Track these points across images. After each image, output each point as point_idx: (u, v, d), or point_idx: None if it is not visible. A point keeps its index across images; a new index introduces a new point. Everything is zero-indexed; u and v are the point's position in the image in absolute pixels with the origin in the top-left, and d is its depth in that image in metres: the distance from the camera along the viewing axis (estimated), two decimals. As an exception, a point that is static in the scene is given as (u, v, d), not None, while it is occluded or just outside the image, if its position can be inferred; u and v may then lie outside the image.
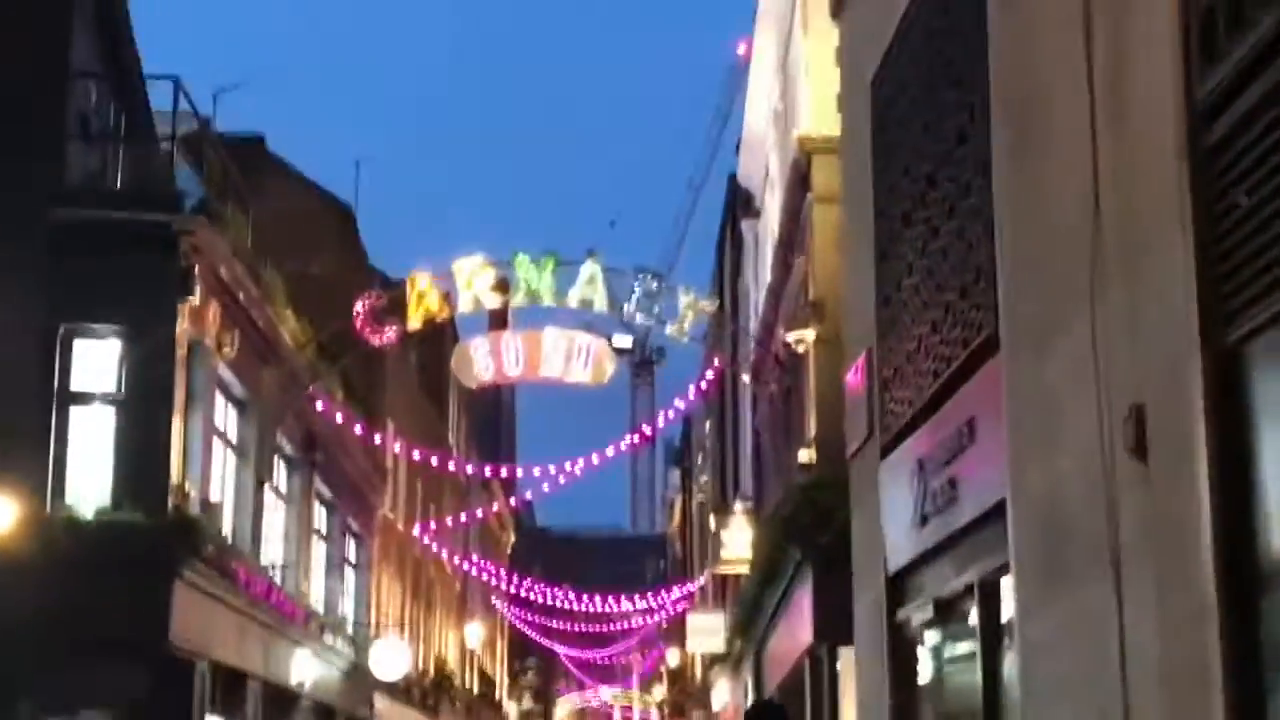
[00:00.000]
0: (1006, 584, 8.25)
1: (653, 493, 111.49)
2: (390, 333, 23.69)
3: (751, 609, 27.58)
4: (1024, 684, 7.52)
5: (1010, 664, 8.05)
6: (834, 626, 19.47)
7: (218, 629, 20.33)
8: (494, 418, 67.24)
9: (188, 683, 19.31)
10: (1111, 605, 6.19)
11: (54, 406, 18.68)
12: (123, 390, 18.88)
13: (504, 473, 44.08)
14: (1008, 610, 8.30)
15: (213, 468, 20.99)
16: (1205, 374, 5.44)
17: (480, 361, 23.71)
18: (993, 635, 8.52)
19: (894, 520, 10.43)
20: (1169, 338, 5.72)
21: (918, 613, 9.91)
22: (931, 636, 9.98)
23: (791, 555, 20.51)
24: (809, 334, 20.08)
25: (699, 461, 55.98)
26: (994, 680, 8.47)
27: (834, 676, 19.59)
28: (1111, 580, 6.20)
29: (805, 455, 20.26)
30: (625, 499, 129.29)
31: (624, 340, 75.13)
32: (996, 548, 8.08)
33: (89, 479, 18.61)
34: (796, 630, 21.66)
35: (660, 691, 75.10)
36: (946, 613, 9.40)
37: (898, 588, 10.49)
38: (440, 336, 43.53)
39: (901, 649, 10.49)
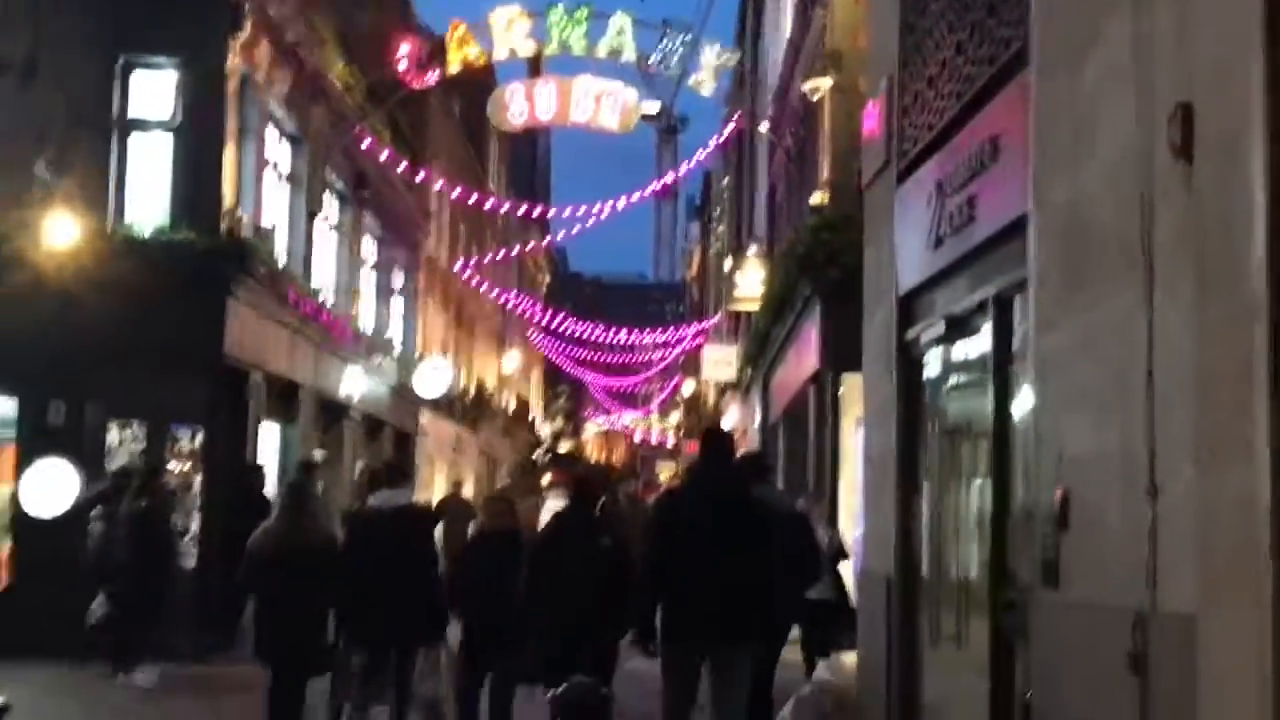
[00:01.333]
0: (1020, 301, 7.45)
1: (674, 245, 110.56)
2: (431, 77, 22.61)
3: (761, 341, 26.97)
4: (1040, 398, 6.71)
5: (1022, 378, 7.26)
6: (839, 354, 18.81)
7: (269, 344, 19.70)
8: (530, 167, 65.90)
9: (243, 392, 18.76)
10: (1141, 313, 5.35)
11: (114, 133, 17.78)
12: (178, 118, 17.93)
13: (538, 212, 42.91)
14: (1021, 327, 7.51)
15: (265, 197, 20.15)
16: (1265, 67, 4.55)
17: (515, 105, 22.66)
18: (1004, 350, 7.72)
19: (907, 244, 9.55)
20: (1225, 33, 4.80)
21: (928, 331, 9.10)
22: (939, 354, 9.18)
23: (801, 290, 19.74)
24: (825, 82, 19.01)
25: (716, 214, 55.08)
26: (1005, 394, 7.69)
27: (836, 400, 18.98)
28: (1142, 286, 5.35)
29: (817, 198, 19.37)
30: (649, 250, 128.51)
31: (651, 105, 73.58)
32: (1013, 264, 7.21)
33: (148, 202, 17.80)
34: (803, 359, 21.04)
35: (676, 417, 75.46)
36: (958, 329, 8.57)
37: (908, 309, 9.66)
38: (481, 86, 42.27)
39: (909, 367, 9.71)
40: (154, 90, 18.04)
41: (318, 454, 21.41)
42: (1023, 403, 7.22)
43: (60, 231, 16.89)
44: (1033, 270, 6.78)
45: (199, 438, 18.29)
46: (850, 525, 18.78)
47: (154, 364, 17.30)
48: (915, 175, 9.39)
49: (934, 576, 9.31)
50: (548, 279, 68.68)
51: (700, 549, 8.80)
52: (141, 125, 18.03)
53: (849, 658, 11.42)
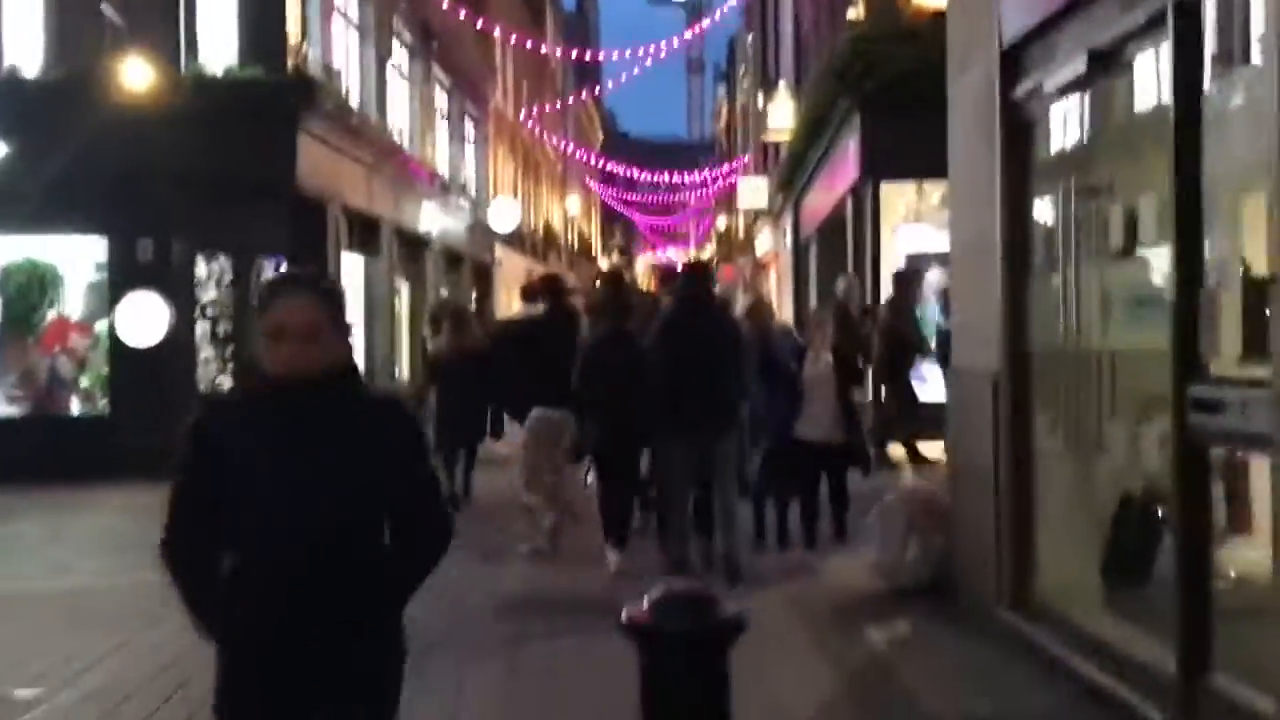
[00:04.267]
0: (1221, 4, 4.35)
1: (704, 110, 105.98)
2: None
3: (794, 166, 23.67)
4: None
5: (1225, 109, 4.20)
6: (878, 163, 15.64)
7: (345, 178, 16.64)
8: (582, 30, 61.59)
9: (321, 222, 15.79)
10: None
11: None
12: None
13: (590, 56, 39.10)
14: (1218, 43, 4.42)
15: (334, 41, 16.95)
16: None
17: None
18: (1191, 76, 4.65)
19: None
20: None
21: (1055, 77, 5.95)
22: (1075, 103, 6.05)
23: (839, 106, 16.44)
24: (861, -108, 15.50)
25: (741, 72, 51.18)
26: (1191, 135, 4.64)
27: (877, 208, 15.83)
28: None
29: (854, 12, 15.95)
30: (683, 116, 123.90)
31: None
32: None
33: (216, 41, 14.62)
34: (839, 175, 17.83)
35: (711, 249, 72.21)
36: (1106, 65, 5.47)
37: (1016, 61, 6.54)
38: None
39: (1017, 132, 6.60)
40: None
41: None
42: (1225, 140, 4.17)
43: (133, 72, 13.82)
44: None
45: (284, 268, 15.39)
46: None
47: (233, 198, 14.34)
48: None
49: (1059, 373, 6.32)
50: (601, 136, 65.12)
51: (692, 359, 7.97)
52: (208, -33, 14.77)
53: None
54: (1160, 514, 5.36)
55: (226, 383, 15.10)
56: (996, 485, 6.79)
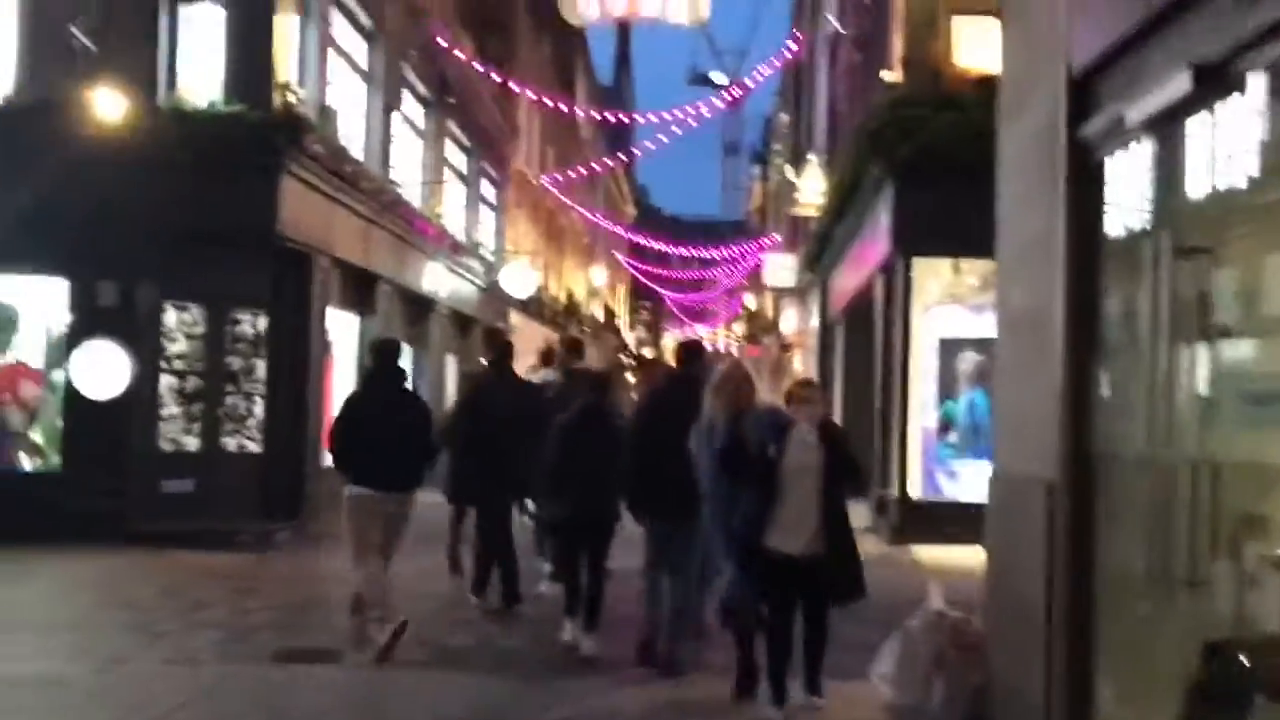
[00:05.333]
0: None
1: (738, 190, 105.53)
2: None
3: (822, 242, 22.46)
4: None
5: None
6: (912, 237, 14.36)
7: (338, 229, 15.44)
8: (616, 95, 60.67)
9: (306, 275, 14.58)
10: None
11: (163, 3, 13.49)
12: (229, -10, 13.61)
13: (621, 119, 37.98)
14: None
15: (335, 84, 15.87)
16: None
17: (584, 1, 18.13)
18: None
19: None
20: None
21: (1138, 106, 4.64)
22: (1168, 137, 4.69)
23: (871, 173, 15.21)
24: (900, -48, 14.39)
25: (776, 149, 50.36)
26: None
27: (908, 287, 14.52)
28: None
29: (890, 75, 14.77)
30: (716, 197, 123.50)
31: (721, 75, 68.48)
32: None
33: (199, 76, 13.50)
34: (869, 250, 16.56)
35: (739, 328, 71.02)
36: (1214, 85, 4.16)
37: (1086, 92, 5.25)
38: (571, 34, 37.72)
39: (1087, 178, 5.30)
40: (204, -40, 13.69)
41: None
42: None
43: (107, 104, 12.74)
44: None
45: (261, 322, 14.21)
46: (918, 419, 14.44)
47: (209, 243, 13.21)
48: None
49: (1135, 483, 4.94)
50: (633, 211, 64.30)
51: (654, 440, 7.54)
52: (191, -5, 13.70)
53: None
54: (1263, 669, 4.02)
55: (191, 443, 13.85)
56: (1049, 615, 5.40)
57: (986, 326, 14.51)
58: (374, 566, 8.01)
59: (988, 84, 13.12)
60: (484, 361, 10.22)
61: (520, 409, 9.49)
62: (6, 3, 13.36)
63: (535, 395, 10.10)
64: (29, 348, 13.57)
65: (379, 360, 8.44)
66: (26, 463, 13.52)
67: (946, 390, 14.52)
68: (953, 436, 14.45)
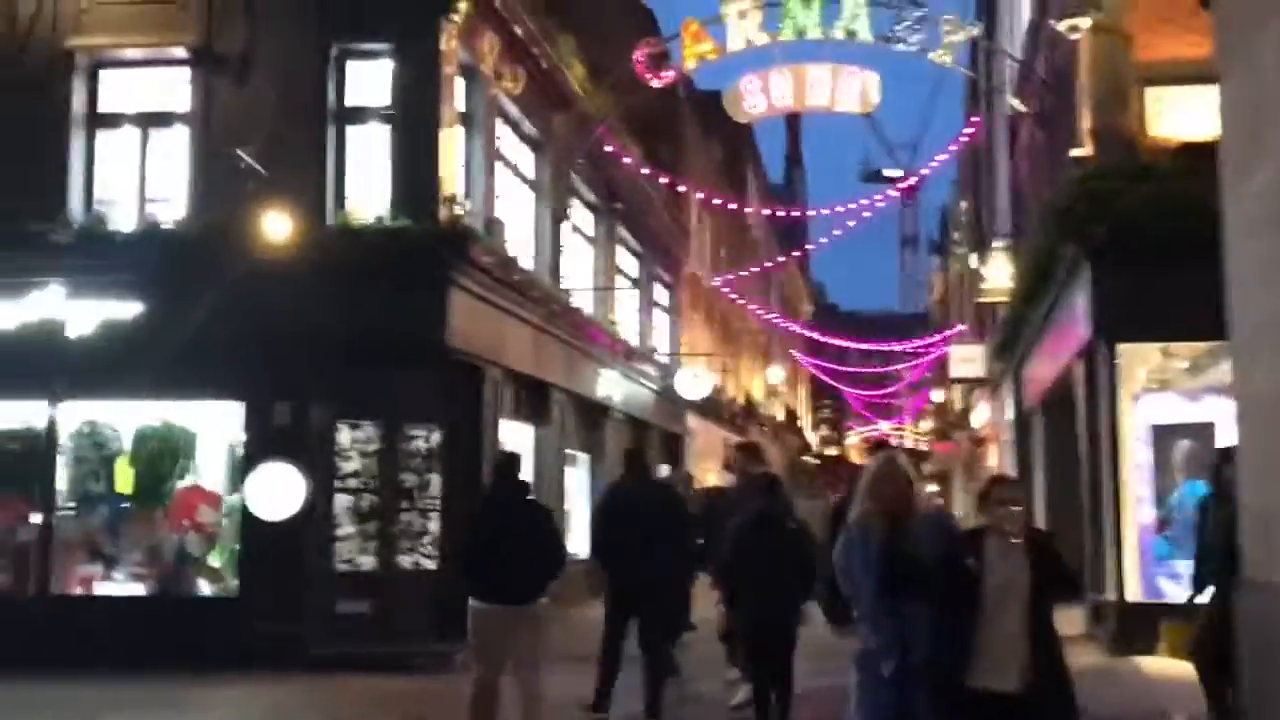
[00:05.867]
0: None
1: (917, 282, 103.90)
2: (667, 75, 17.99)
3: (1012, 330, 21.34)
4: None
5: None
6: (1115, 320, 13.29)
7: (509, 339, 15.23)
8: (786, 192, 60.37)
9: (478, 387, 14.33)
10: None
11: (330, 122, 13.57)
12: (395, 107, 13.60)
13: (796, 215, 37.49)
14: None
15: (502, 195, 15.79)
16: None
17: (750, 96, 17.77)
18: None
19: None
20: None
21: None
22: None
23: (1064, 255, 14.25)
24: (1084, 21, 13.61)
25: (955, 238, 49.20)
26: None
27: (1113, 374, 13.45)
28: None
29: (1079, 150, 13.88)
30: (894, 293, 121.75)
31: (893, 171, 67.75)
32: None
33: (365, 192, 13.52)
34: (1065, 336, 15.50)
35: (927, 424, 69.05)
36: None
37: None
38: (739, 136, 37.61)
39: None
40: (369, 78, 13.76)
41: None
42: None
43: (276, 225, 12.82)
44: None
45: (434, 437, 13.97)
46: (1132, 514, 13.25)
47: (380, 360, 13.07)
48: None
49: None
50: (810, 309, 63.59)
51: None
52: (357, 114, 13.74)
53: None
54: None
55: (366, 562, 13.62)
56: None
57: (1203, 412, 13.37)
58: (490, 682, 8.07)
59: (1189, 152, 12.25)
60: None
61: (653, 511, 9.56)
62: (179, 130, 13.67)
63: (668, 496, 10.29)
64: (207, 471, 13.60)
65: (499, 474, 8.49)
66: (205, 588, 13.46)
67: (1162, 482, 13.33)
68: (1170, 531, 13.22)
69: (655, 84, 17.94)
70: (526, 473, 16.23)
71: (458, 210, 13.49)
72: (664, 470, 24.63)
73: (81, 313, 12.99)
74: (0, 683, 11.32)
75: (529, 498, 8.47)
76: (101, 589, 13.40)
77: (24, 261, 12.96)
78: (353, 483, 13.66)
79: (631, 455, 10.45)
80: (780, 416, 46.41)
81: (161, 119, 13.82)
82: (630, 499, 9.73)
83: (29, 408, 13.43)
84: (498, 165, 15.70)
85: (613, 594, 9.62)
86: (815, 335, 45.81)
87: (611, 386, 20.33)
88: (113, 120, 13.88)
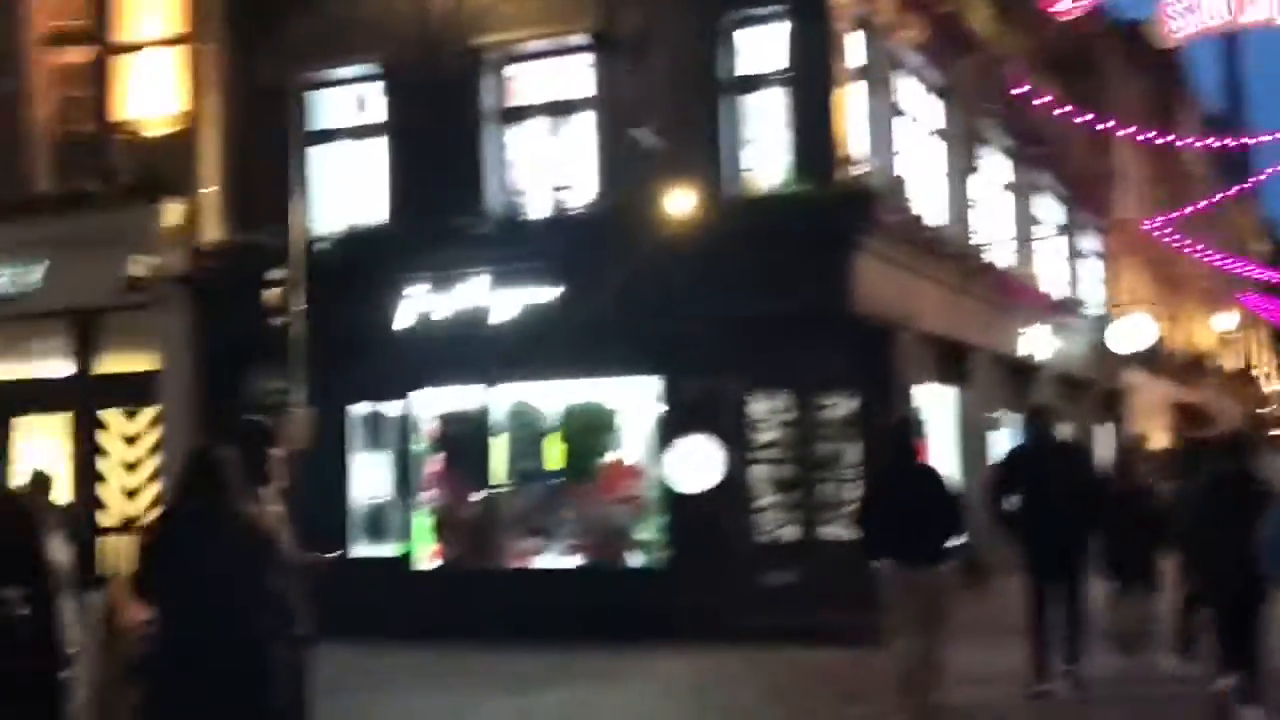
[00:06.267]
0: None
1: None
2: (1081, 3, 16.66)
3: None
4: None
5: None
6: None
7: (921, 300, 14.56)
8: (1223, 121, 54.78)
9: (890, 351, 13.83)
10: None
11: (725, 92, 13.46)
12: (789, 70, 13.28)
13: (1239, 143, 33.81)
14: None
15: (906, 149, 15.18)
16: None
17: (1176, 19, 16.11)
18: None
19: None
20: None
21: None
22: None
23: None
24: None
25: None
26: None
27: None
28: None
29: None
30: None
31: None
32: None
33: (763, 158, 13.34)
34: None
35: None
36: None
37: None
38: (1168, 63, 34.58)
39: None
40: (760, 45, 13.55)
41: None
42: None
43: (678, 199, 12.92)
44: None
45: (849, 404, 13.62)
46: None
47: (788, 328, 12.88)
48: None
49: None
50: (1263, 247, 57.81)
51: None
52: (751, 82, 13.54)
53: None
54: None
55: (788, 533, 13.49)
56: None
57: None
58: (912, 644, 8.10)
59: None
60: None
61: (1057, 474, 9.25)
62: (583, 116, 14.01)
63: (1073, 457, 10.03)
64: (629, 446, 13.93)
65: (893, 438, 8.98)
66: (633, 559, 13.79)
67: None
68: None
69: (1064, 18, 16.65)
70: (947, 437, 15.78)
71: (858, 170, 13.06)
72: (1106, 430, 23.12)
73: (505, 300, 13.64)
74: (451, 652, 12.07)
75: (923, 463, 8.81)
76: (538, 562, 14.03)
77: (451, 255, 13.73)
78: (769, 454, 13.56)
79: (1033, 413, 10.01)
80: (1233, 367, 42.50)
81: (565, 107, 14.22)
82: (1032, 460, 9.29)
83: (466, 392, 14.24)
84: (900, 119, 15.10)
85: (1027, 563, 9.26)
86: (1273, 275, 41.49)
87: (1039, 343, 19.20)
88: (521, 113, 14.43)
